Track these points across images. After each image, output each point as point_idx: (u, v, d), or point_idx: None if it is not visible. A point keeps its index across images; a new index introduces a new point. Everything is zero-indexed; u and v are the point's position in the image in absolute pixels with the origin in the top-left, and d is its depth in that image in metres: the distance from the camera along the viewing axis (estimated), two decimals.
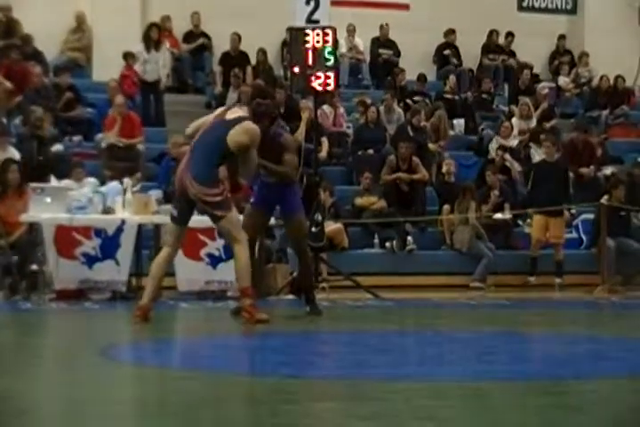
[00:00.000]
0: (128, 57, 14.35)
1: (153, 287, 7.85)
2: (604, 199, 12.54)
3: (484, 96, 16.36)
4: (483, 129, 15.80)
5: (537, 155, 14.09)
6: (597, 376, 5.33)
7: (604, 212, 12.36)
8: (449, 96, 16.06)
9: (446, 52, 17.32)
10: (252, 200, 8.72)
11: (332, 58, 11.57)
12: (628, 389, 4.98)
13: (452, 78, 16.26)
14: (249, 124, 7.72)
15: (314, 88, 11.50)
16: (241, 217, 8.20)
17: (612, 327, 8.35)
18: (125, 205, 10.32)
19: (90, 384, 5.17)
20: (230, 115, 7.83)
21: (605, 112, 16.71)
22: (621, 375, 5.36)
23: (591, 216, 12.99)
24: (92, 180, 11.48)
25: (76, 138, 13.65)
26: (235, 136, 7.66)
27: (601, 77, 17.18)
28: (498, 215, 12.86)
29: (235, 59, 15.52)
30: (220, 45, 15.90)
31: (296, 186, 8.70)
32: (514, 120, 15.34)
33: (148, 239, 10.52)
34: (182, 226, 7.87)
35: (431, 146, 14.19)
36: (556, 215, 12.50)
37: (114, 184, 10.86)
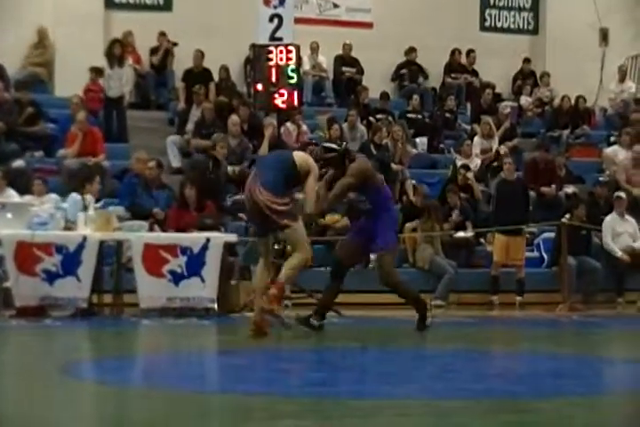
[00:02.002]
0: (94, 72, 14.34)
1: (260, 299, 8.20)
2: (565, 218, 12.67)
3: (447, 115, 16.50)
4: (444, 148, 15.94)
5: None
6: (558, 394, 5.38)
7: (565, 231, 12.48)
8: (412, 115, 16.18)
9: (402, 71, 17.45)
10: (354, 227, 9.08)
11: (295, 75, 11.64)
12: (588, 407, 5.03)
13: (416, 97, 16.39)
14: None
15: (277, 105, 11.56)
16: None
17: (573, 345, 8.42)
18: (87, 222, 10.29)
19: (49, 402, 5.15)
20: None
21: (566, 132, 16.89)
22: (581, 394, 5.41)
23: (552, 235, 13.11)
24: (53, 196, 11.44)
25: (38, 153, 13.60)
26: (300, 156, 8.32)
27: (562, 98, 17.38)
28: (459, 234, 12.96)
29: (198, 75, 15.55)
30: (183, 62, 15.93)
31: (386, 216, 8.74)
32: (476, 139, 15.49)
33: (109, 256, 10.50)
34: (266, 238, 8.36)
35: (394, 165, 14.27)
36: (516, 235, 12.63)
37: (74, 196, 10.81)
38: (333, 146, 8.89)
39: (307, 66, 16.59)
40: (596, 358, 7.20)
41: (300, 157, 8.33)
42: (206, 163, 13.17)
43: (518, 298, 12.55)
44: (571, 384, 5.78)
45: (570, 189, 14.52)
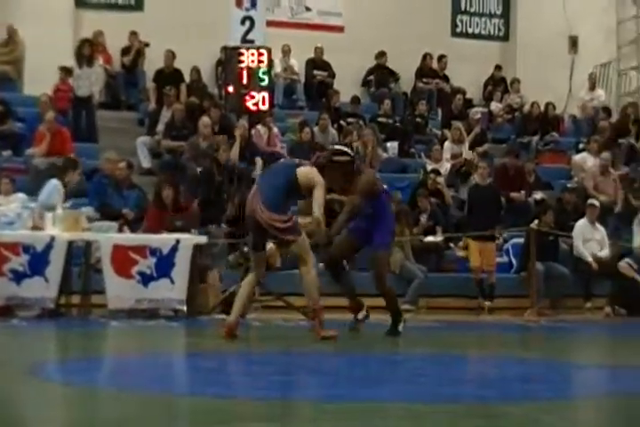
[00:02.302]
0: (63, 71, 14.24)
1: (241, 306, 8.29)
2: (533, 224, 12.72)
3: (418, 120, 16.54)
4: (414, 153, 15.98)
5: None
6: (526, 399, 5.39)
7: (533, 236, 12.54)
8: (383, 119, 16.20)
9: (370, 77, 17.48)
10: (351, 225, 8.90)
11: (266, 78, 11.62)
12: (557, 412, 5.04)
13: (387, 102, 16.41)
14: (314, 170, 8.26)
15: (248, 108, 11.52)
16: None
17: (541, 350, 8.45)
18: (55, 222, 10.21)
19: (15, 403, 5.09)
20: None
21: (536, 138, 16.98)
22: (550, 398, 5.43)
23: (521, 240, 13.16)
24: (20, 195, 11.35)
25: (6, 153, 13.48)
26: (303, 171, 8.19)
27: (532, 104, 17.47)
28: (429, 238, 12.99)
29: (169, 76, 15.49)
30: (155, 62, 15.86)
31: (384, 218, 8.75)
32: (446, 144, 15.53)
33: (78, 256, 10.42)
34: (260, 252, 8.35)
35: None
36: (488, 241, 12.68)
37: (54, 182, 10.73)
38: (346, 150, 8.74)
39: (278, 69, 16.58)
40: (564, 363, 7.23)
41: (302, 172, 8.18)
42: (178, 164, 13.15)
43: (488, 303, 12.60)
44: (539, 389, 5.80)
45: (538, 195, 14.59)
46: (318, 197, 8.13)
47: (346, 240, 8.88)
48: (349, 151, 8.75)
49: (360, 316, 9.05)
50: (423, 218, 13.11)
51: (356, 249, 9.17)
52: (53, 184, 10.76)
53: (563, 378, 6.46)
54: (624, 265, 12.65)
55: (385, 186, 9.50)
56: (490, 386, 5.96)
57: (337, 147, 8.96)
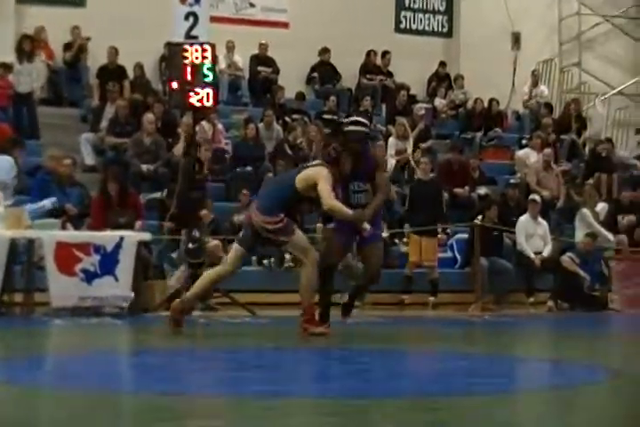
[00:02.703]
0: (3, 67, 14.06)
1: (200, 288, 8.31)
2: (477, 219, 12.83)
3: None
4: None
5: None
6: (470, 393, 5.44)
7: (477, 232, 12.65)
8: (328, 115, 16.21)
9: (314, 74, 17.48)
10: (334, 225, 8.68)
11: (210, 74, 11.55)
12: (500, 405, 5.09)
13: (333, 98, 16.42)
14: (315, 168, 8.18)
15: (192, 104, 11.47)
16: None
17: (485, 345, 8.53)
18: None
19: None
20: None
21: (479, 134, 17.12)
22: (493, 392, 5.48)
23: (465, 236, 13.28)
24: None
25: None
26: (301, 175, 8.15)
27: (475, 100, 17.61)
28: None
29: (112, 72, 15.37)
30: (98, 58, 15.72)
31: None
32: (390, 140, 15.59)
33: (20, 254, 10.30)
34: (244, 249, 8.30)
35: None
36: (430, 236, 12.76)
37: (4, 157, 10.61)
38: (361, 120, 8.42)
39: (222, 65, 16.51)
40: (506, 358, 7.30)
41: (299, 177, 8.15)
42: (122, 160, 13.08)
43: (431, 298, 12.69)
44: (482, 383, 5.85)
45: (482, 190, 14.73)
46: (322, 189, 8.03)
47: (337, 243, 8.52)
48: (365, 121, 8.40)
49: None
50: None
51: (348, 249, 9.01)
52: (6, 159, 10.64)
53: (505, 372, 6.52)
54: (566, 260, 12.82)
55: None
56: (434, 380, 6.01)
57: (353, 118, 8.55)
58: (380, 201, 8.37)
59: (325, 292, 8.55)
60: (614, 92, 19.54)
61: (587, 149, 17.45)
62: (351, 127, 8.25)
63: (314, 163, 8.48)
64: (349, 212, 8.12)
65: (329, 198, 8.05)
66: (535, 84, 18.36)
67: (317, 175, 8.09)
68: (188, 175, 11.74)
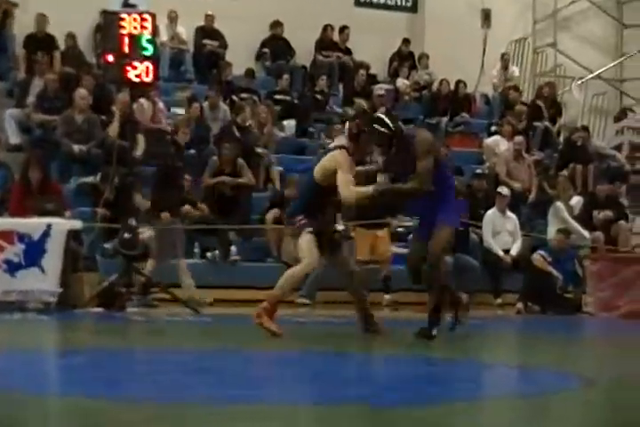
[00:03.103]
0: None
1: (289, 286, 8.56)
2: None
3: (318, 96, 16.58)
4: (313, 132, 16.04)
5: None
6: (431, 401, 5.45)
7: None
8: (280, 95, 16.19)
9: (264, 49, 17.44)
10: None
11: (150, 47, 11.48)
12: (462, 414, 5.10)
13: (286, 77, 16.40)
14: (332, 154, 8.29)
15: (129, 79, 11.38)
16: None
17: (446, 349, 8.56)
18: None
19: None
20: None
21: (445, 119, 17.20)
22: (456, 400, 5.50)
23: None
24: None
25: None
26: (319, 167, 8.34)
27: (441, 82, 17.67)
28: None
29: (40, 42, 15.23)
30: (24, 27, 15.54)
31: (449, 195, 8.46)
32: (348, 124, 15.56)
33: None
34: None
35: (258, 150, 14.27)
36: (379, 228, 12.72)
37: None
38: (387, 122, 8.26)
39: (164, 37, 16.44)
40: (472, 363, 7.33)
41: (317, 170, 8.36)
42: (51, 140, 12.94)
43: (386, 296, 12.72)
44: (445, 390, 5.87)
45: None
46: (339, 178, 8.13)
47: (418, 247, 8.58)
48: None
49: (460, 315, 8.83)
50: None
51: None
52: None
53: (470, 378, 6.54)
54: (537, 258, 12.90)
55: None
56: (392, 387, 6.02)
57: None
58: (407, 188, 8.21)
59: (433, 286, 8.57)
60: (592, 76, 19.72)
61: (561, 137, 17.61)
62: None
63: (331, 146, 8.60)
64: (368, 188, 8.19)
65: (345, 188, 8.15)
66: (505, 67, 18.45)
67: (335, 163, 8.22)
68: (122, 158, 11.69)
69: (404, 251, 13.29)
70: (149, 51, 11.37)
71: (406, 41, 18.56)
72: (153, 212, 11.71)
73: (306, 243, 8.46)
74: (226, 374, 6.39)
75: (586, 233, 13.82)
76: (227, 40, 17.01)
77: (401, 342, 9.01)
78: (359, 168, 8.56)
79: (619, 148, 17.25)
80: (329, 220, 8.59)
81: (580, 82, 19.10)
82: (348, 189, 8.16)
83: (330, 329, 9.94)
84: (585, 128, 17.12)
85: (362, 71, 17.10)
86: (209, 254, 12.48)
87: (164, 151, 14.07)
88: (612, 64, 20.30)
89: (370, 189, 8.23)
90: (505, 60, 18.45)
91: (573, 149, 16.16)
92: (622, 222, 14.13)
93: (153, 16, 11.50)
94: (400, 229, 13.29)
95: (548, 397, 5.62)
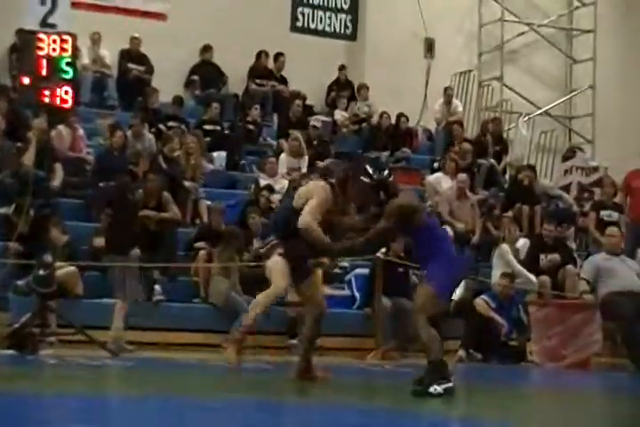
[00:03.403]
0: None
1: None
2: (380, 253, 12.95)
3: (250, 127, 16.64)
4: (245, 165, 16.08)
5: None
6: None
7: (380, 267, 12.77)
8: (209, 125, 16.21)
9: (194, 76, 17.50)
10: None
11: (70, 70, 11.46)
12: None
13: (215, 105, 16.43)
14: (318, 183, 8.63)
15: (47, 104, 11.33)
16: None
17: (382, 398, 8.59)
18: None
19: None
20: None
21: (385, 154, 17.32)
22: None
23: (366, 271, 13.39)
24: None
25: None
26: (300, 191, 8.68)
27: (381, 114, 17.80)
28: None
29: None
30: None
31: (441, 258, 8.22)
32: (282, 157, 15.67)
33: None
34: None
35: (186, 183, 14.27)
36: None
37: None
38: (370, 171, 8.31)
39: (86, 60, 16.44)
40: (407, 414, 7.35)
41: (297, 196, 8.52)
42: None
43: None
44: None
45: None
46: (310, 204, 8.30)
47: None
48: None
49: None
50: (257, 242, 13.19)
51: None
52: None
53: None
54: (480, 303, 13.02)
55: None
56: None
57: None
58: (359, 243, 8.28)
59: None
60: (540, 112, 20.03)
61: (507, 175, 17.83)
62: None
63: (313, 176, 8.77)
64: (324, 238, 8.29)
65: (308, 215, 8.25)
66: (449, 102, 18.65)
67: (315, 190, 8.39)
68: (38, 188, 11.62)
69: (339, 293, 13.40)
70: (69, 74, 11.34)
71: (343, 67, 18.66)
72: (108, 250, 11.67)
73: (275, 265, 8.67)
74: (140, 424, 6.33)
75: (532, 277, 13.98)
76: (153, 65, 17.03)
77: (333, 389, 9.03)
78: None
79: (567, 188, 17.50)
80: (303, 246, 8.54)
81: (526, 118, 19.35)
82: (309, 216, 8.28)
83: (258, 376, 9.92)
84: (531, 167, 17.34)
85: (298, 101, 17.17)
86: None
87: (82, 182, 14.03)
88: (560, 100, 20.63)
89: (324, 240, 8.32)
90: (448, 95, 18.66)
91: (519, 189, 16.36)
92: (570, 267, 14.29)
93: (74, 37, 11.49)
94: (336, 270, 13.34)
95: None
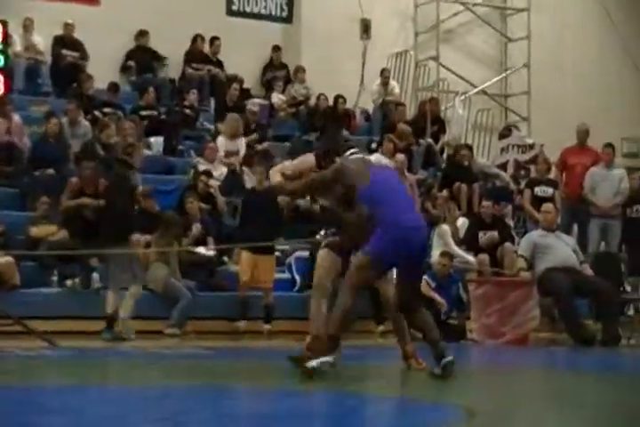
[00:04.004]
0: None
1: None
2: (320, 235, 12.90)
3: (188, 112, 16.53)
4: (182, 150, 15.99)
5: (249, 182, 14.41)
6: None
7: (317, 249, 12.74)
8: (146, 111, 16.09)
9: (130, 62, 17.35)
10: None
11: (1, 57, 11.34)
12: None
13: (151, 90, 16.31)
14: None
15: None
16: None
17: (324, 382, 8.57)
18: None
19: None
20: None
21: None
22: None
23: (306, 254, 13.36)
24: None
25: None
26: None
27: (318, 97, 17.76)
28: (200, 250, 13.01)
29: None
30: None
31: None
32: (219, 140, 15.57)
33: None
34: None
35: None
36: (266, 253, 12.80)
37: None
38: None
39: (18, 47, 16.24)
40: (347, 396, 7.35)
41: None
42: None
43: (266, 326, 12.74)
44: (316, 425, 5.88)
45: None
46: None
47: None
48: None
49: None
50: (195, 227, 13.12)
51: None
52: None
53: (343, 412, 6.56)
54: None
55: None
56: (265, 424, 6.00)
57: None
58: (291, 187, 8.81)
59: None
60: (476, 91, 20.07)
61: (444, 155, 17.86)
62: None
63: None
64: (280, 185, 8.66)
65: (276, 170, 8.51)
66: (386, 82, 18.64)
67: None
68: None
69: (280, 276, 13.37)
70: (1, 62, 11.21)
71: (277, 48, 18.60)
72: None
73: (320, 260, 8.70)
74: (82, 414, 6.29)
75: (470, 258, 14.03)
76: (88, 51, 16.85)
77: (275, 373, 9.01)
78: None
79: (504, 166, 17.56)
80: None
81: (463, 97, 19.37)
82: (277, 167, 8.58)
83: (198, 362, 9.87)
84: (468, 146, 17.38)
85: (235, 85, 17.08)
86: (68, 282, 12.31)
87: (17, 171, 13.87)
88: (496, 79, 20.69)
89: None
90: (385, 76, 18.65)
91: (457, 168, 16.40)
92: (508, 244, 14.35)
93: (4, 24, 11.37)
94: (202, 252, 13.28)
95: None
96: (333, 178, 8.17)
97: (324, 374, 7.78)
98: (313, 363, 7.77)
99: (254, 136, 16.03)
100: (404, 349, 8.74)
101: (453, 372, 7.94)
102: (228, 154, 15.42)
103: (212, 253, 13.19)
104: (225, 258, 13.64)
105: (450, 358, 7.98)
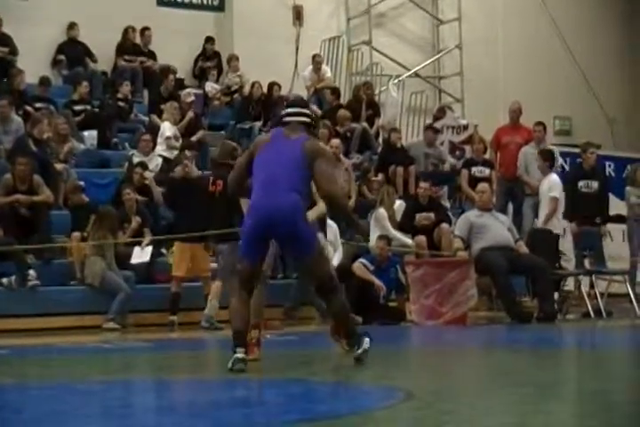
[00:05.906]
0: None
1: None
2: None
3: (121, 104, 16.40)
4: (117, 143, 15.87)
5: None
6: (243, 424, 5.45)
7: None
8: (79, 105, 15.95)
9: (61, 56, 17.17)
10: None
11: None
12: None
13: (85, 84, 16.17)
14: None
15: None
16: None
17: (258, 369, 8.56)
18: None
19: None
20: None
21: (258, 124, 17.23)
22: (262, 424, 5.51)
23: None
24: None
25: None
26: None
27: (253, 84, 17.70)
28: (135, 258, 12.95)
29: None
30: None
31: None
32: (165, 124, 15.43)
33: None
34: None
35: (57, 165, 14.05)
36: (201, 244, 12.72)
37: None
38: (303, 111, 7.87)
39: None
40: (283, 382, 7.33)
41: None
42: None
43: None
44: (253, 413, 5.88)
45: None
46: None
47: None
48: (307, 111, 7.77)
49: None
50: (135, 220, 13.05)
51: None
52: None
53: (281, 398, 6.55)
54: (358, 266, 13.04)
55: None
56: (202, 414, 5.97)
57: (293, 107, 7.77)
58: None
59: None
60: (409, 74, 20.10)
61: (380, 139, 17.88)
62: (290, 118, 7.70)
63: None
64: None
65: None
66: (318, 68, 18.61)
67: None
68: None
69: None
70: None
71: (210, 39, 18.53)
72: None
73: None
74: (19, 413, 6.23)
75: (408, 241, 14.05)
76: (17, 45, 16.64)
77: (214, 364, 8.98)
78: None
79: None
80: None
81: (396, 80, 19.40)
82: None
83: (138, 355, 9.82)
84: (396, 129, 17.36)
85: (170, 76, 16.97)
86: (4, 280, 12.21)
87: None
88: (429, 61, 20.74)
89: None
90: (317, 62, 18.62)
91: (393, 151, 16.41)
92: (444, 225, 14.37)
93: None
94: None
95: (364, 415, 5.68)
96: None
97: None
98: (359, 351, 7.80)
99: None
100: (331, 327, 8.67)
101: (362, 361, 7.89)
102: (175, 138, 15.33)
103: (147, 258, 13.03)
104: (163, 250, 13.57)
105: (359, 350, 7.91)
